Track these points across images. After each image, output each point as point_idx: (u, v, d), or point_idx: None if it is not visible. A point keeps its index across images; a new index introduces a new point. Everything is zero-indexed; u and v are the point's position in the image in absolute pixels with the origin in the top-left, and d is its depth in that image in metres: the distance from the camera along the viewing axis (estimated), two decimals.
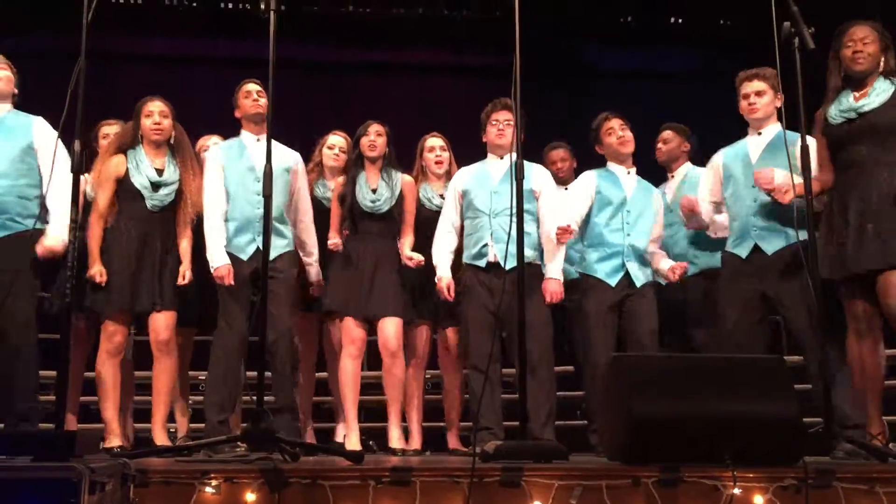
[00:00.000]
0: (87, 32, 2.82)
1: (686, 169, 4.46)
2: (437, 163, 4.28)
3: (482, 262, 3.86)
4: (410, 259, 3.90)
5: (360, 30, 7.20)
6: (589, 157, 4.48)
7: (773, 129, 3.79)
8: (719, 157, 3.93)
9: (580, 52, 7.48)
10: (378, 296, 3.91)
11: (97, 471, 1.98)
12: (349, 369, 3.94)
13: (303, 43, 6.76)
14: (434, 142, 4.33)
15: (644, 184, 4.16)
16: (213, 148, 4.03)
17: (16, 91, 3.68)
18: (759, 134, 3.79)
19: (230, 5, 7.01)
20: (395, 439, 3.95)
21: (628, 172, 4.11)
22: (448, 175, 4.29)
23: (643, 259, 4.01)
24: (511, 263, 3.62)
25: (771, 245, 3.64)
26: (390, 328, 3.92)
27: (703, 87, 6.94)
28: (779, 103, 3.75)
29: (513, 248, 3.10)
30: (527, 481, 2.47)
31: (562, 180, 4.55)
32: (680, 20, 7.48)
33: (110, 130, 4.18)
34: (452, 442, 4.30)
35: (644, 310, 3.94)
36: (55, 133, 3.37)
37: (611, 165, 4.14)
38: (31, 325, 3.49)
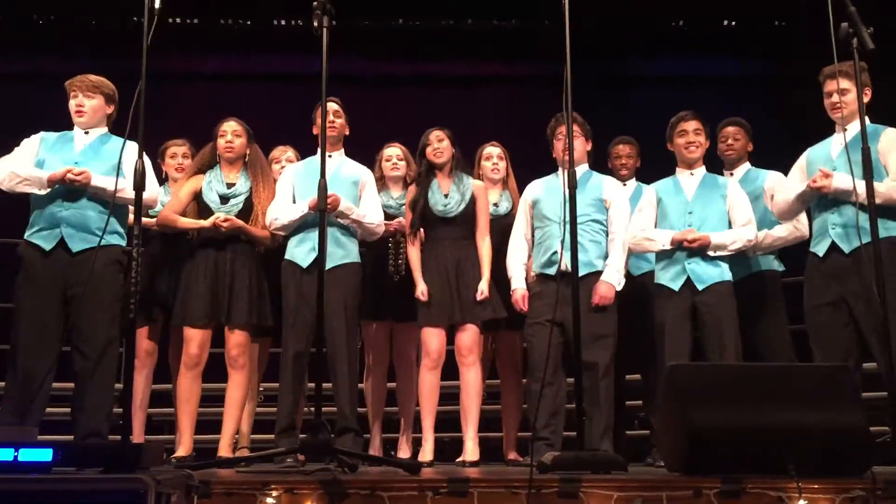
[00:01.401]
0: (147, 54, 2.89)
1: (745, 168, 4.31)
2: (493, 170, 4.34)
3: (552, 271, 3.85)
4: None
5: (410, 42, 7.26)
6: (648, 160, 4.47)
7: (857, 126, 3.63)
8: (805, 156, 3.82)
9: (630, 59, 7.42)
10: (462, 302, 3.93)
11: (163, 482, 2.03)
12: (428, 381, 3.96)
13: (354, 57, 6.83)
14: (491, 150, 4.38)
15: (710, 181, 4.01)
16: (290, 166, 4.16)
17: (108, 111, 3.77)
18: (845, 130, 3.66)
19: (283, 22, 7.13)
20: (470, 451, 3.91)
21: (691, 174, 4.01)
22: (504, 183, 4.36)
23: (711, 259, 3.84)
24: (582, 272, 3.62)
25: (849, 244, 3.53)
26: (467, 336, 3.94)
27: (758, 92, 6.83)
28: (866, 99, 3.61)
29: (582, 257, 3.10)
30: (585, 492, 2.46)
31: (623, 177, 4.52)
32: (733, 23, 7.36)
33: (178, 150, 4.35)
34: (510, 453, 4.29)
35: (716, 314, 3.77)
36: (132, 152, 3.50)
37: (679, 168, 4.07)
38: (108, 342, 3.52)
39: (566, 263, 3.76)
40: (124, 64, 3.72)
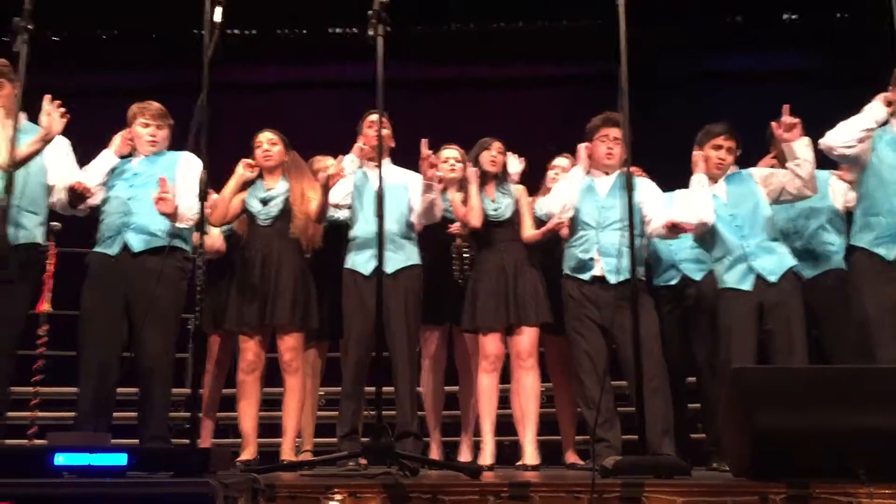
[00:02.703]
0: (209, 68, 2.96)
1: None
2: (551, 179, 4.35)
3: (586, 276, 3.83)
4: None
5: (462, 46, 7.28)
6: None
7: None
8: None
9: (688, 56, 7.31)
10: (519, 304, 3.93)
11: (230, 486, 2.08)
12: (487, 384, 3.97)
13: (407, 62, 6.88)
14: (565, 162, 4.37)
15: (740, 177, 3.92)
16: (349, 177, 4.19)
17: (167, 143, 3.89)
18: None
19: (337, 30, 7.22)
20: (530, 455, 3.90)
21: (718, 184, 3.91)
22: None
23: (771, 249, 3.76)
24: (617, 278, 3.65)
25: None
26: (525, 338, 3.94)
27: (818, 87, 6.67)
28: None
29: (623, 263, 3.08)
30: (648, 497, 2.44)
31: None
32: (794, 16, 7.20)
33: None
34: (570, 456, 4.27)
35: (784, 314, 3.66)
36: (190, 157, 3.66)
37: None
38: (169, 346, 3.63)
39: (602, 269, 3.77)
40: (185, 75, 3.83)
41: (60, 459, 2.07)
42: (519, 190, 4.20)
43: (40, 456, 2.10)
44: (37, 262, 3.63)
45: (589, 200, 3.94)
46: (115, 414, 3.66)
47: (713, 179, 3.91)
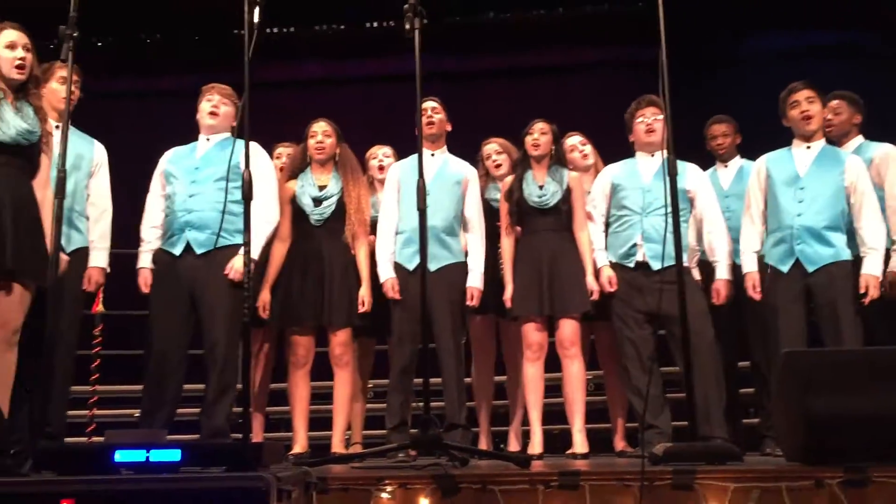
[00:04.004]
0: (250, 66, 3.00)
1: (857, 142, 4.09)
2: (583, 156, 4.32)
3: (630, 262, 3.80)
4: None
5: (501, 35, 7.24)
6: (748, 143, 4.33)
7: None
8: None
9: (730, 35, 7.17)
10: (557, 294, 3.89)
11: (283, 479, 2.11)
12: (531, 373, 3.93)
13: (447, 53, 6.87)
14: (576, 139, 4.37)
15: (829, 154, 3.81)
16: (394, 165, 4.23)
17: (234, 124, 3.92)
18: None
19: (375, 24, 7.24)
20: (579, 444, 3.88)
21: (808, 147, 3.82)
22: (594, 170, 4.32)
23: (823, 238, 3.67)
24: (661, 264, 3.58)
25: None
26: (567, 328, 3.90)
27: (869, 64, 6.49)
28: None
29: (667, 249, 3.05)
30: (700, 484, 2.41)
31: (722, 157, 4.40)
32: None
33: (284, 151, 4.45)
34: (619, 443, 4.24)
35: (830, 298, 3.59)
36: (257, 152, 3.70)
37: (795, 140, 3.89)
38: (228, 345, 3.67)
39: (645, 254, 3.73)
40: (227, 75, 3.87)
41: (118, 456, 2.12)
42: (575, 179, 4.07)
43: (100, 453, 2.15)
44: None
45: (633, 184, 3.90)
46: (178, 410, 3.75)
47: (806, 138, 3.81)
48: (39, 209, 3.20)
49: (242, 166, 3.60)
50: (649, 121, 3.89)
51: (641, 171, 3.92)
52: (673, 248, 3.14)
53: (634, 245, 3.80)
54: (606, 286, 3.86)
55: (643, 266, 3.77)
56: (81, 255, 3.68)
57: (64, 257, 3.40)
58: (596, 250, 3.96)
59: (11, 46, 3.21)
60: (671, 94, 3.09)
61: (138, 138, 4.99)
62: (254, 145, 3.69)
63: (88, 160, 3.74)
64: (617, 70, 7.02)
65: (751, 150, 4.37)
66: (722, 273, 3.84)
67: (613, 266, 3.88)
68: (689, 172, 3.91)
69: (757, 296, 3.76)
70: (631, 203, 3.87)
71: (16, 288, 3.12)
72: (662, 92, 3.10)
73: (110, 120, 5.46)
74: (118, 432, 2.36)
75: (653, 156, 3.91)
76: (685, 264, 3.72)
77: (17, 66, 3.20)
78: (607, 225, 4.01)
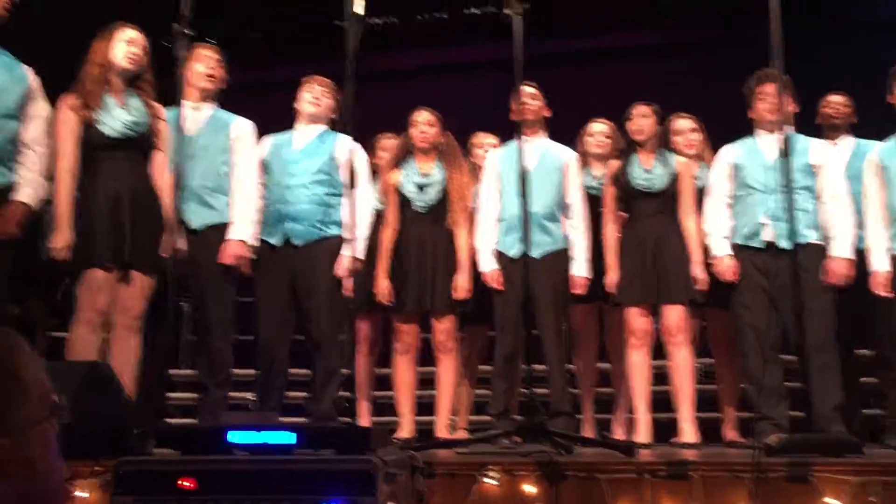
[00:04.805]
0: (354, 59, 3.05)
1: None
2: (687, 146, 4.17)
3: (757, 243, 3.66)
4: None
5: (602, 15, 7.09)
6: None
7: None
8: None
9: (843, 4, 6.80)
10: (662, 280, 3.81)
11: (390, 463, 2.15)
12: (636, 361, 3.86)
13: (549, 37, 6.78)
14: (684, 123, 4.22)
15: None
16: (492, 152, 4.22)
17: (333, 116, 4.01)
18: None
19: (476, 10, 7.21)
20: (688, 433, 3.79)
21: None
22: (701, 157, 4.19)
23: None
24: (789, 243, 3.41)
25: None
26: (673, 314, 3.81)
27: None
28: None
29: (797, 226, 2.92)
30: (817, 477, 2.32)
31: (835, 127, 4.20)
32: None
33: (388, 143, 4.49)
34: (730, 433, 4.13)
35: None
36: (355, 147, 3.65)
37: None
38: (335, 328, 3.77)
39: (774, 234, 3.58)
40: (331, 67, 3.94)
41: (235, 438, 2.21)
42: (682, 164, 3.96)
43: (217, 434, 2.24)
44: None
45: (755, 162, 3.76)
46: (286, 393, 3.88)
47: None
48: (158, 198, 3.35)
49: (339, 159, 3.71)
50: (771, 98, 3.73)
51: (763, 149, 3.77)
52: (800, 227, 3.00)
53: (760, 224, 3.66)
54: (727, 275, 3.72)
55: (772, 247, 3.62)
56: (216, 231, 3.63)
57: (182, 241, 3.43)
58: (715, 236, 3.82)
59: (130, 42, 3.38)
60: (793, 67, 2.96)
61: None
62: (349, 139, 3.76)
63: (226, 137, 3.74)
64: (725, 49, 6.76)
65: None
66: (839, 250, 3.61)
67: (738, 248, 3.75)
68: (813, 147, 3.75)
69: (889, 294, 3.58)
70: (754, 182, 3.74)
71: (136, 277, 3.30)
72: (772, 65, 2.98)
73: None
74: (234, 415, 2.46)
75: (773, 133, 3.76)
76: (816, 242, 3.58)
77: (131, 59, 3.36)
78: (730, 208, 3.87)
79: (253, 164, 3.76)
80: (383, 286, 3.95)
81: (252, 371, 3.81)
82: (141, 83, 3.43)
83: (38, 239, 3.53)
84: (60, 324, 3.92)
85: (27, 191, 3.19)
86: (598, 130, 4.31)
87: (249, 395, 4.49)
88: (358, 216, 3.65)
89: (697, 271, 3.79)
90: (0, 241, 3.09)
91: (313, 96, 3.93)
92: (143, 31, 3.45)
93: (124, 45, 3.38)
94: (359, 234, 3.73)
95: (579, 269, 3.98)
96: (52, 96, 3.41)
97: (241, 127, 3.78)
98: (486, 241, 3.99)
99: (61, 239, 3.22)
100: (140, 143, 3.35)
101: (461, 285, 3.92)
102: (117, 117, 3.30)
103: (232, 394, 4.86)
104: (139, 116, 3.35)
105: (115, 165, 3.30)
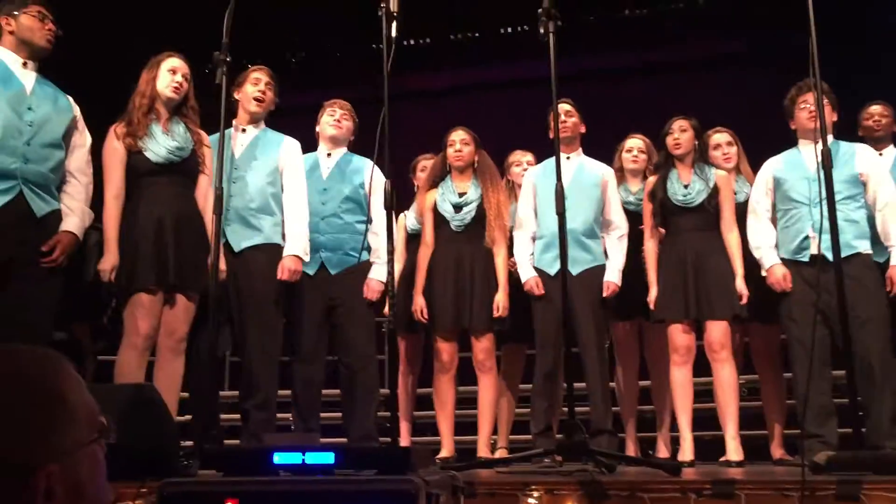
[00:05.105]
0: (389, 80, 3.08)
1: None
2: (725, 160, 4.13)
3: (804, 256, 3.60)
4: None
5: (637, 32, 7.08)
6: None
7: None
8: None
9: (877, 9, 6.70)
10: (703, 296, 3.77)
11: (431, 483, 2.14)
12: (679, 378, 3.82)
13: (583, 53, 6.78)
14: (721, 137, 4.19)
15: None
16: (530, 170, 4.24)
17: (352, 138, 4.07)
18: None
19: (509, 30, 7.25)
20: (733, 450, 3.73)
21: None
22: (738, 170, 4.16)
23: None
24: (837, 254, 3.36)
25: None
26: (716, 331, 3.76)
27: None
28: None
29: (846, 237, 2.87)
30: (867, 495, 2.27)
31: (877, 139, 4.12)
32: None
33: (427, 163, 4.53)
34: (777, 451, 4.05)
35: None
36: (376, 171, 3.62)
37: None
38: (371, 350, 3.82)
39: (821, 247, 3.50)
40: (368, 88, 4.00)
41: (277, 458, 2.22)
42: (722, 177, 3.93)
43: (261, 455, 2.26)
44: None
45: (797, 175, 3.71)
46: (321, 414, 3.90)
47: None
48: (202, 221, 3.41)
49: (365, 184, 3.76)
50: (812, 108, 3.68)
51: (806, 160, 3.72)
52: (849, 238, 2.93)
53: (807, 238, 3.61)
54: (782, 284, 3.65)
55: (819, 259, 3.56)
56: (259, 252, 3.63)
57: (223, 266, 3.42)
58: (762, 248, 3.76)
59: (173, 71, 3.47)
60: (823, 78, 2.93)
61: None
62: (370, 163, 3.77)
63: (275, 159, 3.75)
64: (767, 59, 6.68)
65: None
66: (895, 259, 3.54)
67: (785, 263, 3.69)
68: (859, 154, 3.69)
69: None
70: (797, 195, 3.68)
71: (180, 299, 3.35)
72: (814, 76, 2.95)
73: None
74: (276, 436, 2.47)
75: (817, 143, 3.70)
76: (866, 252, 3.51)
77: (174, 88, 3.44)
78: (774, 222, 3.83)
79: (303, 182, 3.79)
80: (419, 304, 3.97)
81: (288, 392, 3.82)
82: (185, 110, 3.51)
83: (83, 264, 3.62)
84: (108, 347, 4.00)
85: (73, 220, 3.27)
86: (634, 146, 4.30)
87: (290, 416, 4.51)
88: (383, 239, 3.69)
89: (740, 285, 3.74)
90: (49, 270, 3.16)
91: (335, 119, 4.00)
92: (185, 58, 3.53)
93: (168, 75, 3.46)
94: (383, 257, 3.75)
95: (611, 275, 3.95)
96: (97, 122, 3.50)
97: (292, 146, 3.83)
98: (523, 253, 4.01)
99: (108, 262, 3.31)
100: (184, 168, 3.43)
101: (499, 303, 3.91)
102: (163, 144, 3.38)
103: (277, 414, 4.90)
104: (183, 142, 3.43)
105: (159, 190, 3.37)
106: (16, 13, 3.22)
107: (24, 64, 3.25)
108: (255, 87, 3.78)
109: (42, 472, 0.94)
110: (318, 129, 4.05)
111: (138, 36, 5.52)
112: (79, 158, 3.36)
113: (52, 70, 3.39)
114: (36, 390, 0.97)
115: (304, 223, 3.70)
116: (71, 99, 3.40)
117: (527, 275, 3.96)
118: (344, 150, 4.04)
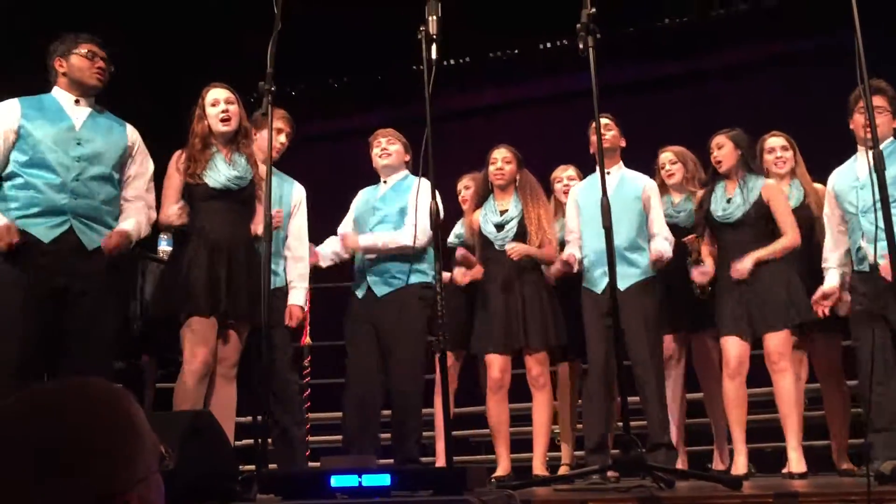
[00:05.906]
0: (430, 101, 3.09)
1: None
2: (778, 165, 4.08)
3: (865, 267, 3.50)
4: None
5: (678, 40, 7.00)
6: None
7: None
8: None
9: None
10: (757, 309, 3.72)
11: (488, 503, 2.13)
12: (730, 390, 3.76)
13: (622, 64, 6.73)
14: (775, 142, 4.11)
15: None
16: (573, 188, 4.24)
17: (406, 159, 4.13)
18: None
19: (548, 45, 7.24)
20: (795, 462, 3.65)
21: None
22: (792, 174, 4.09)
23: None
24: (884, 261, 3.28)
25: None
26: (774, 341, 3.70)
27: None
28: None
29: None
30: None
31: None
32: None
33: (470, 183, 4.53)
34: (841, 462, 3.94)
35: None
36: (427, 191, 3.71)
37: None
38: (417, 372, 3.85)
39: (873, 256, 3.42)
40: (411, 109, 4.02)
41: (334, 481, 2.23)
42: (768, 187, 3.85)
43: (318, 478, 2.28)
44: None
45: (847, 184, 3.62)
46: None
47: None
48: (255, 248, 3.47)
49: (410, 209, 3.78)
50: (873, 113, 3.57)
51: (857, 167, 3.64)
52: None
53: (860, 248, 3.53)
54: (839, 310, 3.62)
55: (874, 268, 3.46)
56: (279, 294, 3.72)
57: None
58: (825, 266, 3.69)
59: (214, 104, 3.54)
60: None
61: (333, 177, 5.25)
62: (426, 183, 3.80)
63: (288, 202, 3.91)
64: (813, 60, 6.54)
65: None
66: None
67: (854, 273, 3.58)
68: None
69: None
70: (848, 204, 3.60)
71: (232, 327, 3.40)
72: (861, 79, 2.87)
73: (308, 162, 5.81)
74: (333, 458, 2.49)
75: (868, 148, 3.61)
76: None
77: (222, 119, 3.52)
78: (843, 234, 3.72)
79: (306, 227, 3.94)
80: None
81: (332, 414, 3.86)
82: (241, 138, 3.58)
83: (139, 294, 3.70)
84: (165, 376, 4.08)
85: (129, 222, 3.32)
86: (665, 160, 4.26)
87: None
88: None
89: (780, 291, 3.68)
90: (104, 301, 3.20)
91: (381, 149, 4.06)
92: (226, 85, 3.61)
93: (213, 109, 3.54)
94: (302, 284, 3.83)
95: (659, 244, 3.90)
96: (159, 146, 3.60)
97: (301, 192, 3.97)
98: (571, 249, 3.99)
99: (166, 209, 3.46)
100: (241, 197, 3.50)
101: (517, 248, 3.89)
102: (223, 172, 3.48)
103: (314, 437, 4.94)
104: (242, 172, 3.51)
105: (213, 216, 3.44)
106: (67, 54, 3.33)
107: (77, 101, 3.34)
108: (276, 133, 3.72)
109: (121, 500, 0.97)
110: (374, 164, 4.15)
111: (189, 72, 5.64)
112: (137, 187, 3.42)
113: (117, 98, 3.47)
114: (114, 421, 1.00)
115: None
116: (129, 127, 3.46)
117: (566, 254, 3.93)
118: (401, 174, 4.11)
